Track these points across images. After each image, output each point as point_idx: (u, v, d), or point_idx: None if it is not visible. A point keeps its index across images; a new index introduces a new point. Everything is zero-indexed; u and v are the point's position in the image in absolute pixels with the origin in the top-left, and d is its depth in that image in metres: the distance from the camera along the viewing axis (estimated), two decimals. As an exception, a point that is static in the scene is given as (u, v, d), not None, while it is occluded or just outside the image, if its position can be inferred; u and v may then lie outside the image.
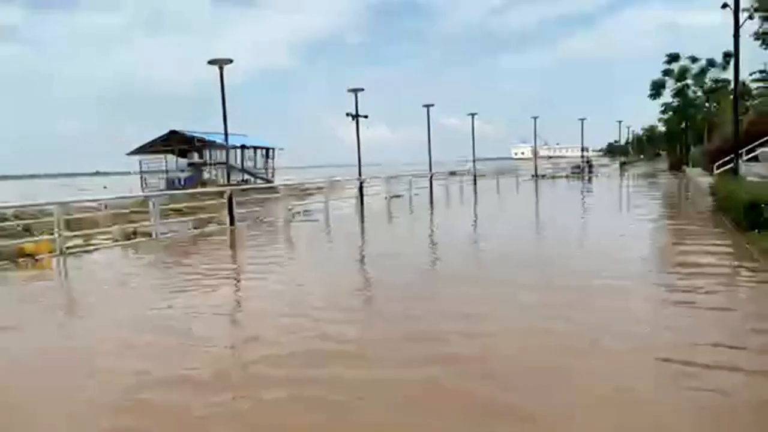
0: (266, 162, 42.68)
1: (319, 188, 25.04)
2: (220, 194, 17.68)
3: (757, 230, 11.12)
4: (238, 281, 9.97)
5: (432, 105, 31.39)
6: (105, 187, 27.95)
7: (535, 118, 47.22)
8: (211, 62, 17.29)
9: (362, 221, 19.37)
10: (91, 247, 13.41)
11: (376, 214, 20.80)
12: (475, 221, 19.33)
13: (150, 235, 14.71)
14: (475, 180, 35.63)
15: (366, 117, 24.53)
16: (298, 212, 20.44)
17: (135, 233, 15.36)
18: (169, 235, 15.25)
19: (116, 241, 14.40)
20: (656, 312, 6.69)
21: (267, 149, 42.59)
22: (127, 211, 18.56)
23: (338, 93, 26.45)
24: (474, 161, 37.90)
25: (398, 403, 4.41)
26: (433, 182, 30.24)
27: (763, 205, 11.18)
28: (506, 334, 6.04)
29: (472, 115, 37.97)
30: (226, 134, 17.23)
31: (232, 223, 16.69)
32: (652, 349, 5.30)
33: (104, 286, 9.60)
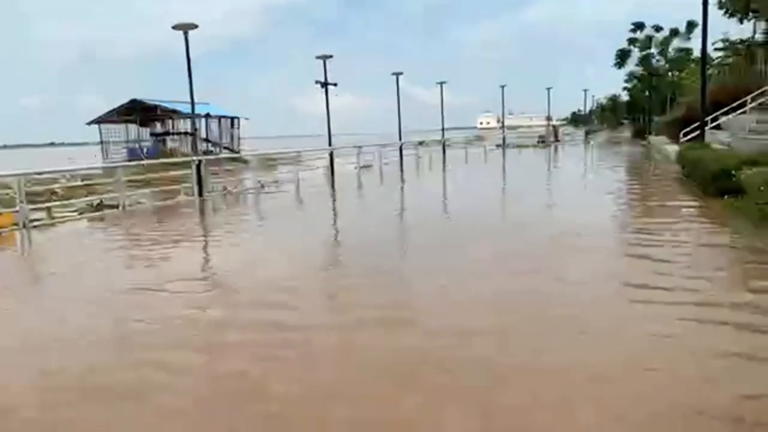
0: (231, 132, 41.76)
1: (289, 159, 24.68)
2: (187, 164, 17.22)
3: (725, 196, 11.40)
4: (208, 253, 9.75)
5: (401, 73, 31.08)
6: (70, 159, 26.92)
7: (502, 87, 47.20)
8: (175, 27, 16.68)
9: (333, 192, 19.17)
10: (56, 220, 12.92)
11: (345, 184, 20.60)
12: (446, 190, 19.35)
13: (116, 206, 14.26)
14: (444, 150, 35.60)
15: (335, 85, 24.11)
16: (268, 183, 20.12)
17: (101, 205, 14.91)
18: (135, 206, 14.82)
19: (81, 213, 13.92)
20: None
21: (231, 119, 41.62)
22: (91, 182, 18.03)
23: (306, 62, 25.83)
24: (443, 131, 37.80)
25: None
26: (403, 152, 30.09)
27: (730, 173, 11.41)
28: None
29: (441, 83, 37.79)
30: (192, 103, 16.74)
31: (200, 194, 16.31)
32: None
33: (69, 259, 9.25)
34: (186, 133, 33.70)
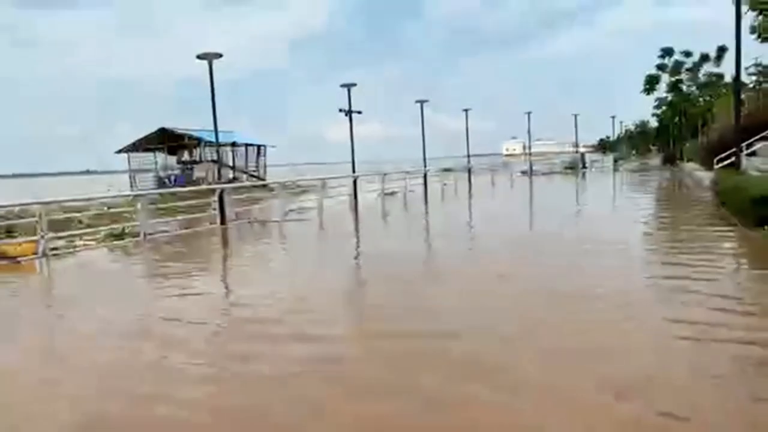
0: (257, 159, 42.07)
1: (313, 186, 24.59)
2: (211, 193, 17.20)
3: (765, 227, 10.81)
4: (225, 284, 9.53)
5: (426, 101, 31.00)
6: (109, 188, 27.22)
7: (528, 113, 46.98)
8: (200, 57, 16.81)
9: (356, 219, 18.93)
10: (76, 249, 12.89)
11: (370, 211, 20.36)
12: (471, 218, 18.95)
13: (137, 235, 14.21)
14: (469, 176, 35.25)
15: (360, 113, 24.12)
16: (292, 210, 19.98)
17: (123, 234, 14.88)
18: (157, 235, 14.76)
19: (100, 242, 13.88)
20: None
21: (258, 146, 41.98)
22: (114, 210, 18.08)
23: (330, 91, 25.95)
24: (468, 157, 37.53)
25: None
26: (428, 179, 29.82)
27: (772, 200, 10.83)
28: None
29: (466, 110, 37.67)
30: (216, 130, 16.75)
31: (223, 222, 16.22)
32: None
33: (82, 289, 9.11)
34: (213, 161, 34.00)
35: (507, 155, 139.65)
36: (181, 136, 38.37)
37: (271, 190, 24.99)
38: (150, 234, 14.43)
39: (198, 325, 6.56)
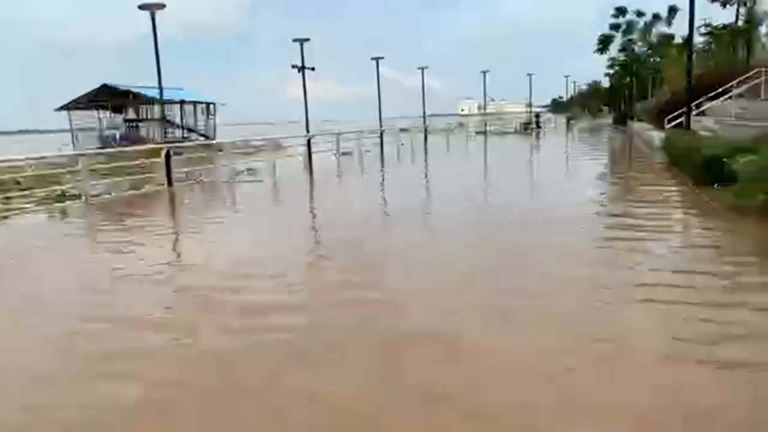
0: (207, 118, 40.68)
1: (266, 146, 23.88)
2: (158, 152, 16.41)
3: (716, 185, 10.97)
4: (164, 247, 9.06)
5: (381, 58, 30.40)
6: (61, 148, 25.53)
7: (483, 73, 46.79)
8: (141, 7, 15.79)
9: (311, 180, 18.48)
10: (11, 212, 12.09)
11: (324, 172, 19.91)
12: (428, 178, 18.77)
13: (79, 197, 13.45)
14: (425, 136, 34.96)
15: (313, 69, 23.35)
16: (243, 171, 19.36)
17: (63, 195, 14.07)
18: (100, 197, 14.00)
19: (39, 204, 13.07)
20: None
21: (207, 104, 40.53)
22: (54, 171, 17.08)
23: (283, 47, 25.00)
24: (424, 117, 37.17)
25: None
26: (385, 139, 29.37)
27: (722, 161, 10.95)
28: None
29: (422, 69, 37.12)
30: (160, 87, 15.89)
31: (170, 183, 15.53)
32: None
33: (13, 254, 8.51)
34: (161, 120, 32.79)
35: (462, 115, 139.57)
36: (125, 93, 36.67)
37: (221, 150, 24.16)
38: (94, 196, 13.68)
39: (141, 287, 6.16)
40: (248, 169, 19.90)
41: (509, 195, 12.98)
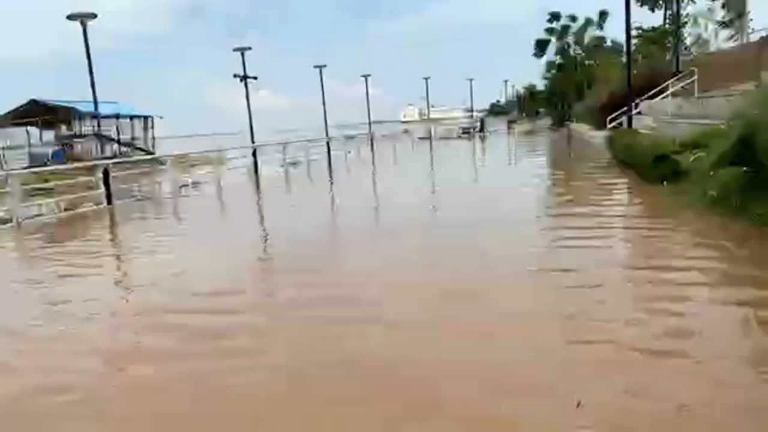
0: (145, 132, 39.16)
1: (209, 158, 23.13)
2: (95, 170, 15.53)
3: (663, 182, 11.21)
4: (104, 273, 8.45)
5: (324, 66, 30.13)
6: None
7: (426, 79, 47.15)
8: (70, 17, 14.99)
9: (258, 192, 17.95)
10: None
11: (272, 183, 19.40)
12: (376, 187, 18.56)
13: (8, 221, 12.51)
14: (372, 144, 34.81)
15: (255, 78, 22.90)
16: (186, 185, 18.63)
17: (-11, 219, 13.05)
18: (32, 219, 13.08)
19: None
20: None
21: (145, 118, 39.03)
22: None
23: (221, 59, 24.45)
24: (369, 124, 37.06)
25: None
26: (331, 147, 29.03)
27: (671, 158, 11.19)
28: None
29: (366, 77, 37.09)
30: (95, 100, 15.12)
31: (109, 201, 14.70)
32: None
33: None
34: (96, 135, 31.20)
35: (405, 122, 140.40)
36: (56, 108, 34.86)
37: (162, 163, 23.24)
38: (26, 218, 12.77)
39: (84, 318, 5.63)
40: (192, 183, 19.18)
41: (465, 199, 12.88)
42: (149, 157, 27.43)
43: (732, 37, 39.97)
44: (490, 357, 4.24)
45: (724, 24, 41.29)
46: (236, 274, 7.36)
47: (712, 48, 37.52)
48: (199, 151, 26.11)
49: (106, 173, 14.83)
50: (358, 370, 4.24)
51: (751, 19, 37.31)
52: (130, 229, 12.52)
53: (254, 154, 22.37)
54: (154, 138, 39.87)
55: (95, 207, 14.59)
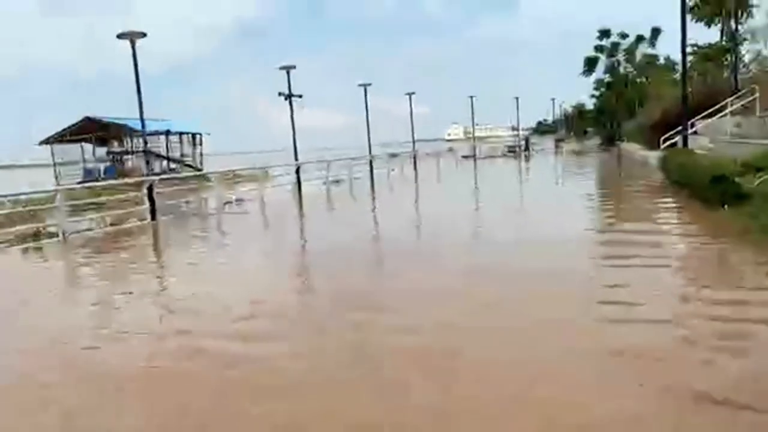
0: (193, 148, 40.04)
1: (254, 175, 23.32)
2: (142, 185, 15.77)
3: (724, 205, 10.52)
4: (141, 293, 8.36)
5: (369, 84, 30.10)
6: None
7: (471, 97, 46.66)
8: (120, 36, 15.30)
9: (300, 210, 17.88)
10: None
11: (315, 201, 19.32)
12: (419, 205, 18.23)
13: (56, 235, 12.73)
14: (415, 162, 34.57)
15: (300, 97, 22.96)
16: (230, 202, 18.74)
17: (38, 233, 13.32)
18: (79, 234, 13.29)
19: (12, 245, 12.32)
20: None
21: (194, 135, 39.93)
22: (35, 207, 16.35)
23: (269, 78, 24.71)
24: (413, 142, 36.87)
25: None
26: (374, 165, 28.92)
27: (734, 180, 10.51)
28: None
29: (410, 94, 36.94)
30: (141, 116, 15.35)
31: (153, 217, 14.85)
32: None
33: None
34: (146, 152, 32.15)
35: (449, 140, 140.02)
36: (108, 125, 35.96)
37: (208, 180, 23.56)
38: (72, 233, 12.99)
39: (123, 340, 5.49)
40: (237, 200, 19.29)
41: (512, 220, 12.47)
42: (194, 173, 27.87)
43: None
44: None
45: (785, 40, 39.60)
46: (270, 294, 7.15)
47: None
48: (245, 168, 26.43)
49: (150, 189, 15.00)
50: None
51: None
52: (168, 245, 12.59)
53: (297, 171, 22.40)
54: (202, 154, 40.72)
55: (139, 222, 14.76)
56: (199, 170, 33.59)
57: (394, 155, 33.44)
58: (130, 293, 7.72)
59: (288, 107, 22.90)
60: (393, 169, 29.68)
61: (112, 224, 14.58)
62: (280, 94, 22.59)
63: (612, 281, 6.62)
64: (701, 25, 35.22)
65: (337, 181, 24.27)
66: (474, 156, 43.22)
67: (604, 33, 47.78)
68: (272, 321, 6.04)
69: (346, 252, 9.80)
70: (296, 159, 22.88)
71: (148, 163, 17.42)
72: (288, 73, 22.61)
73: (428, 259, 8.87)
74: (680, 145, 20.66)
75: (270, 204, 17.87)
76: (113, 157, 37.71)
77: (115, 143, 38.77)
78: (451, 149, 46.80)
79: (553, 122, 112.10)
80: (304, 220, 15.85)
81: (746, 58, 38.36)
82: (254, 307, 6.51)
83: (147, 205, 14.96)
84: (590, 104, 68.05)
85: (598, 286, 6.49)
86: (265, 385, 4.39)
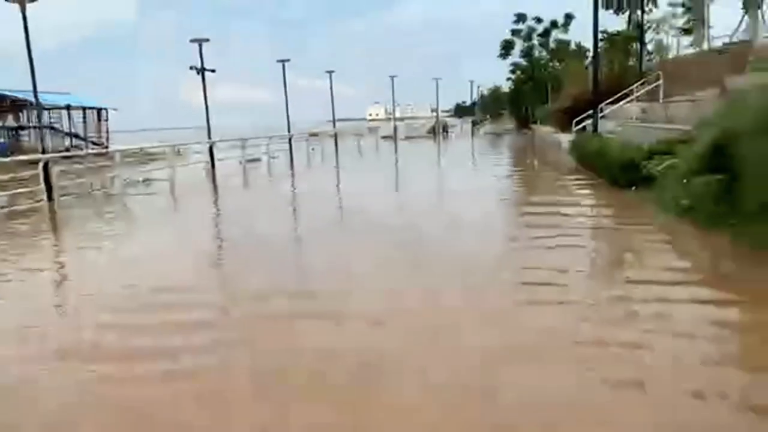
0: (98, 124, 37.62)
1: (165, 153, 22.15)
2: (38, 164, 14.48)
3: (634, 188, 10.98)
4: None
5: (287, 60, 29.21)
6: None
7: (392, 77, 46.47)
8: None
9: (214, 191, 17.12)
10: None
11: (228, 181, 18.56)
12: (340, 185, 17.93)
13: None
14: (336, 142, 34.11)
15: (213, 71, 21.89)
16: (138, 182, 17.69)
17: None
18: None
19: None
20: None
21: (99, 110, 37.50)
22: None
23: (183, 51, 23.34)
24: (334, 122, 36.35)
25: None
26: (293, 144, 28.25)
27: (642, 164, 10.92)
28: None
29: (330, 73, 36.30)
30: (34, 88, 14.05)
31: (50, 198, 13.70)
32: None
33: None
34: (42, 127, 29.80)
35: (371, 119, 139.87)
36: (2, 98, 33.11)
37: (113, 158, 22.13)
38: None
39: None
40: (145, 180, 18.22)
41: (428, 199, 12.43)
42: (100, 151, 26.12)
43: (692, 44, 40.59)
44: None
45: (685, 31, 41.94)
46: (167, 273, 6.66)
47: (672, 55, 38.00)
48: (155, 145, 25.03)
49: (46, 168, 13.82)
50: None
51: (711, 27, 37.90)
52: (63, 227, 11.63)
53: (211, 150, 21.46)
54: (108, 130, 38.38)
55: (35, 203, 13.57)
56: (105, 147, 31.59)
57: (314, 134, 32.82)
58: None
59: (209, 83, 21.82)
60: (312, 149, 29.16)
61: (2, 206, 13.30)
62: (191, 68, 21.45)
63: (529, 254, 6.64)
64: (610, 12, 36.62)
65: (255, 160, 23.49)
66: (394, 137, 43.23)
67: (520, 17, 48.84)
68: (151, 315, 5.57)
69: (250, 237, 9.33)
70: (209, 137, 21.87)
71: (42, 139, 15.94)
72: (200, 46, 21.47)
73: (343, 243, 8.63)
74: (591, 129, 21.40)
75: (180, 185, 16.98)
76: (8, 132, 34.80)
77: (10, 117, 35.84)
78: (372, 129, 46.58)
79: (472, 104, 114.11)
80: (213, 201, 15.12)
81: (650, 47, 40.40)
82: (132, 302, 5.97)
83: (42, 185, 13.78)
84: (507, 87, 69.59)
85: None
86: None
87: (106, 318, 5.41)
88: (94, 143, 34.90)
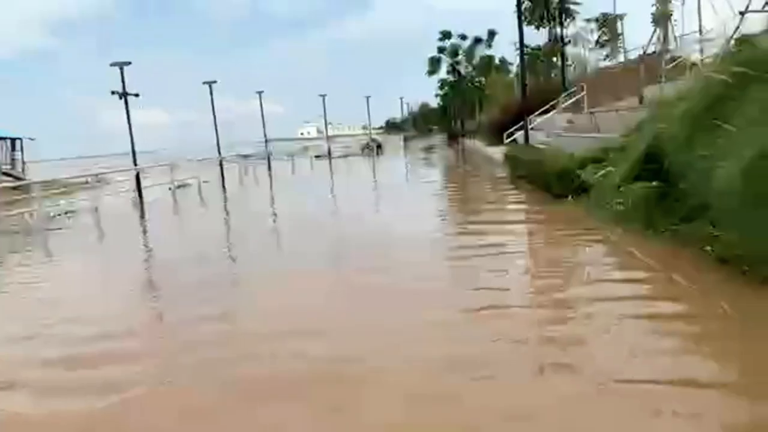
0: (12, 155, 35.44)
1: (88, 183, 21.02)
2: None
3: (570, 197, 11.18)
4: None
5: (214, 82, 28.57)
6: None
7: (322, 96, 46.33)
8: None
9: (142, 219, 16.29)
10: None
11: (156, 209, 17.72)
12: (275, 212, 17.49)
13: None
14: (269, 162, 33.52)
15: (137, 95, 20.99)
16: (59, 215, 16.62)
17: None
18: None
19: None
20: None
21: (12, 140, 35.37)
22: None
23: (105, 76, 22.28)
24: (266, 142, 35.79)
25: None
26: (224, 167, 27.48)
27: (576, 173, 11.15)
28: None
29: (260, 93, 35.85)
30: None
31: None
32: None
33: None
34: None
35: (303, 139, 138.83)
36: None
37: (30, 191, 20.79)
38: None
39: None
40: (67, 212, 17.15)
41: (362, 216, 12.29)
42: (14, 183, 24.52)
43: (607, 56, 42.69)
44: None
45: (600, 44, 44.08)
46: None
47: (589, 67, 39.81)
48: (78, 176, 23.77)
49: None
50: None
51: (621, 42, 39.96)
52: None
53: (137, 177, 20.51)
54: (24, 162, 36.21)
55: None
56: (21, 179, 29.73)
57: (245, 156, 32.11)
58: None
59: (134, 108, 20.88)
60: (245, 171, 28.53)
61: None
62: (113, 92, 20.50)
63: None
64: (532, 28, 38.00)
65: (185, 186, 22.66)
66: (328, 156, 42.95)
67: (446, 35, 49.97)
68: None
69: (183, 267, 8.82)
70: (135, 164, 20.91)
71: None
72: (122, 70, 20.58)
73: (281, 271, 8.28)
74: (521, 140, 21.95)
75: (106, 216, 16.06)
76: None
77: None
78: (305, 148, 46.13)
79: (402, 121, 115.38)
80: (146, 231, 14.33)
81: (569, 60, 42.18)
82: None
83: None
84: (435, 103, 70.86)
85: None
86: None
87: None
88: (8, 174, 32.80)
